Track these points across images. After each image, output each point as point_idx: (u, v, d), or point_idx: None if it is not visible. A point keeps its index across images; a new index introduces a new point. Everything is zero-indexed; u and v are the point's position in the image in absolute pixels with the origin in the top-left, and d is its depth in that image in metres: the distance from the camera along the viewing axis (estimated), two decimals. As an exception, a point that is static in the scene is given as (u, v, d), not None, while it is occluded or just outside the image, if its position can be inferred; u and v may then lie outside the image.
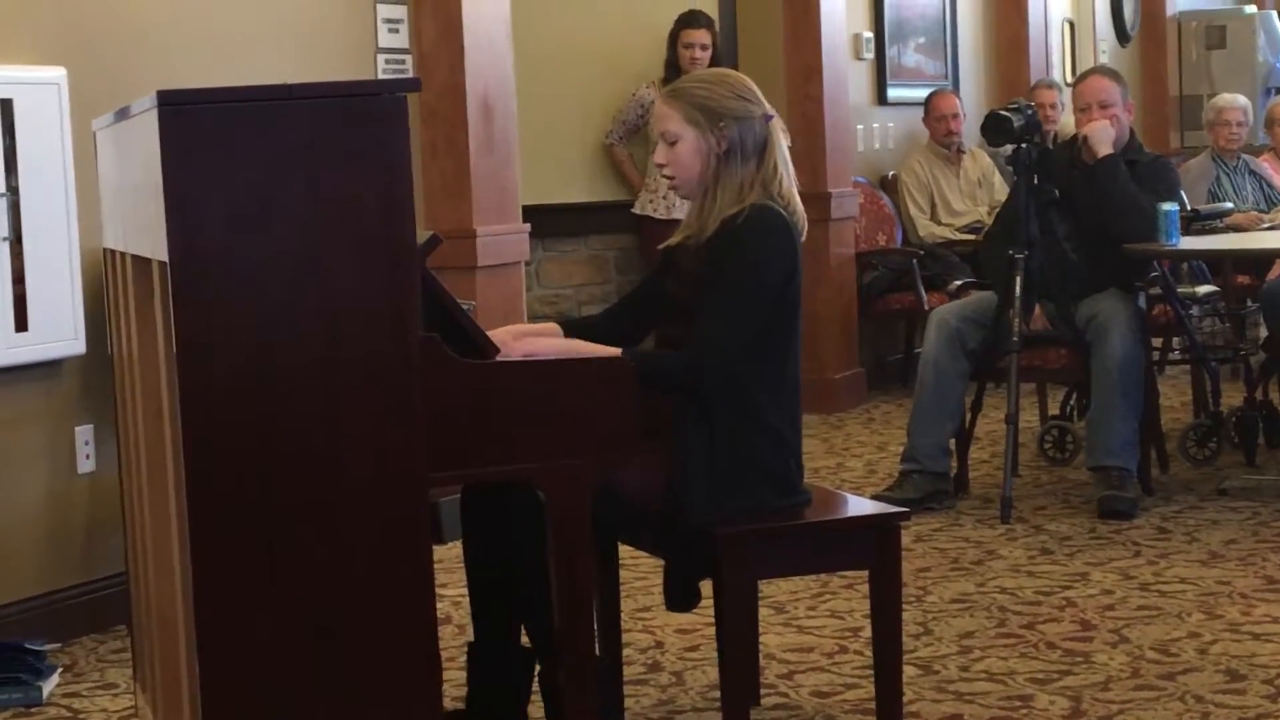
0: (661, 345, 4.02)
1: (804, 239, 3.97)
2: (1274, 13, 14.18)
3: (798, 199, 3.97)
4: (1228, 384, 7.67)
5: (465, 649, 4.09)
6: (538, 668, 4.01)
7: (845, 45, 9.19)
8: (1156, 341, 7.32)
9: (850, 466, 7.36)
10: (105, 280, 4.28)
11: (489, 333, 3.73)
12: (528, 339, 3.89)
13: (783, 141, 4.01)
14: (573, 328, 4.11)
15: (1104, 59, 12.52)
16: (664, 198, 8.17)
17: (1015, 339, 6.30)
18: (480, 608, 4.06)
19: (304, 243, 3.17)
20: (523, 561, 3.85)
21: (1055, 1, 12.05)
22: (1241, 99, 9.09)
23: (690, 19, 8.37)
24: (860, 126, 9.67)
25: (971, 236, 8.99)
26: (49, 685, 4.65)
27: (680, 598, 3.92)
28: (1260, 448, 7.06)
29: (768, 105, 4.01)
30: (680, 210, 4.12)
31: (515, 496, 3.80)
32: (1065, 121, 9.52)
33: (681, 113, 3.93)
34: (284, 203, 3.15)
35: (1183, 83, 13.68)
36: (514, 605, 3.98)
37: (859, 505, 4.14)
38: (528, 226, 6.65)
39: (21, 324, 5.00)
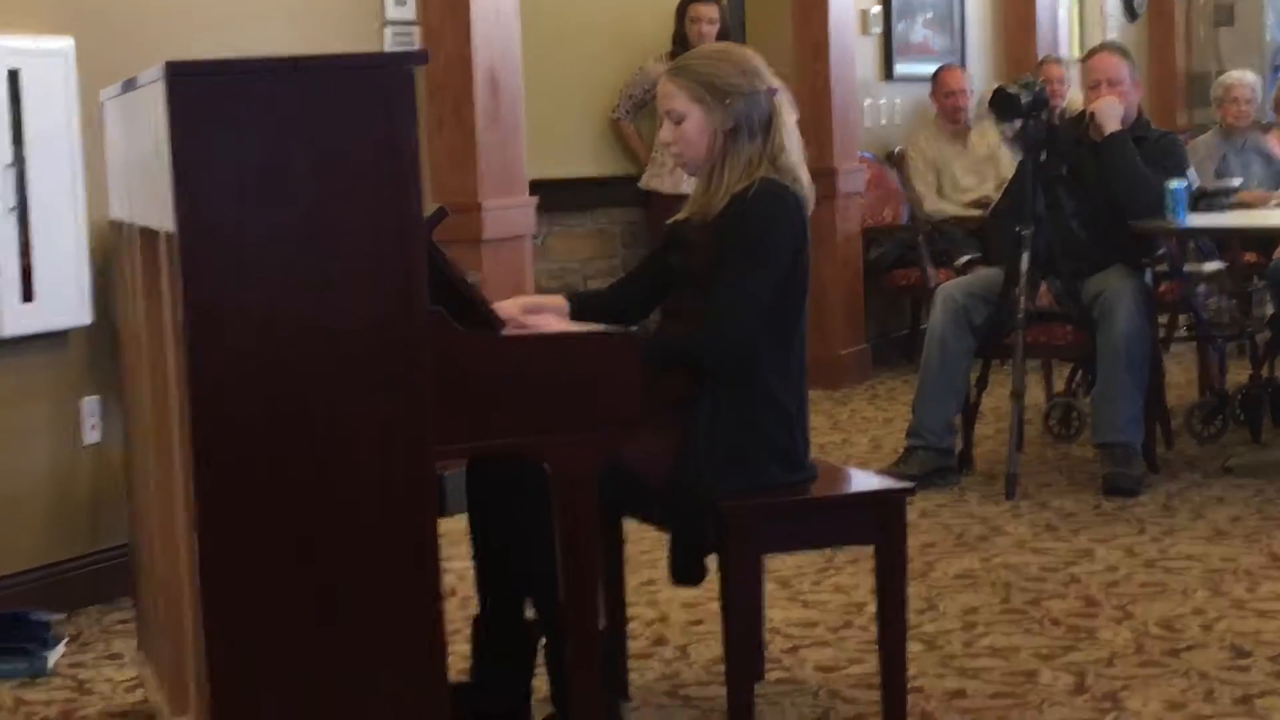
0: (668, 319, 4.02)
1: (811, 213, 3.96)
2: (1283, -10, 14.16)
3: (805, 173, 3.97)
4: (1234, 361, 7.68)
5: (470, 622, 4.10)
6: (542, 641, 4.01)
7: (853, 20, 9.17)
8: (1163, 319, 7.32)
9: (855, 442, 7.36)
10: (112, 252, 4.28)
11: (495, 303, 3.73)
12: (535, 315, 3.89)
13: (789, 115, 4.00)
14: (580, 301, 4.11)
15: (1112, 35, 12.49)
16: (671, 172, 8.16)
17: (1021, 315, 6.29)
18: (485, 581, 4.06)
19: (311, 215, 3.17)
20: (528, 535, 3.85)
21: (1063, -23, 12.03)
22: (1250, 76, 9.07)
23: (698, -8, 8.35)
24: (867, 102, 9.66)
25: (978, 212, 8.96)
26: (54, 655, 4.66)
27: (686, 572, 3.91)
28: (1266, 425, 7.06)
29: (773, 79, 4.00)
30: (688, 185, 4.11)
31: (521, 470, 3.80)
32: (1073, 97, 9.50)
33: (687, 90, 3.92)
34: (291, 175, 3.16)
35: (1191, 60, 13.66)
36: (519, 579, 3.98)
37: (864, 481, 4.15)
38: (534, 200, 6.64)
39: (28, 295, 5.00)
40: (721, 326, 3.77)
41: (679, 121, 3.94)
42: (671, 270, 4.02)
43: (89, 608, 5.14)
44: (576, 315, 4.03)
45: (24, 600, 4.90)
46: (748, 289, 3.79)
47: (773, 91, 3.96)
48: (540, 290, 7.47)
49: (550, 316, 3.95)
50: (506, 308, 3.87)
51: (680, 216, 4.03)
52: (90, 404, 5.22)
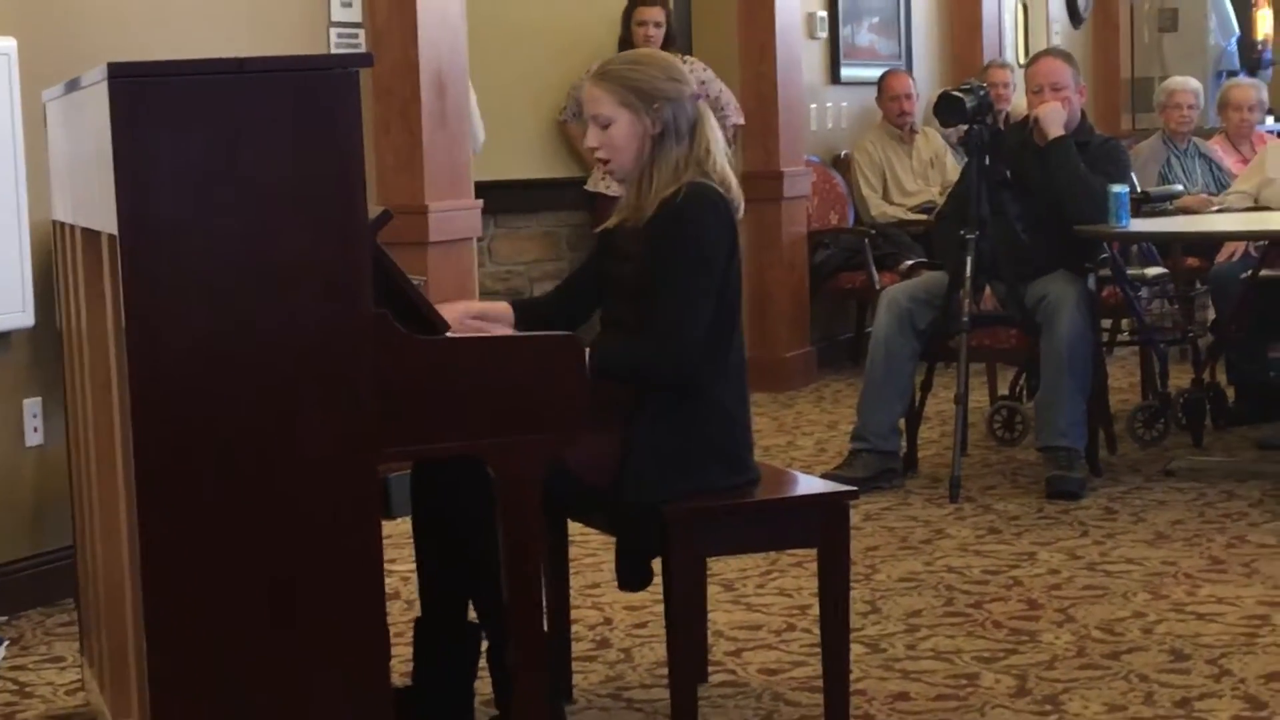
0: (606, 327, 4.01)
1: (740, 216, 3.96)
2: (1225, -4, 14.25)
3: (732, 176, 3.97)
4: (1176, 366, 7.72)
5: (414, 625, 4.09)
6: (485, 645, 4.01)
7: (799, 24, 9.20)
8: (1106, 323, 7.35)
9: (800, 445, 7.38)
10: (54, 253, 4.26)
11: (440, 306, 3.72)
12: (481, 323, 3.89)
13: (714, 120, 4.01)
14: (523, 309, 4.10)
15: (1057, 40, 12.56)
16: (613, 175, 8.16)
17: (965, 319, 6.32)
18: (428, 584, 4.06)
19: (254, 218, 3.16)
20: (473, 538, 3.85)
21: (1009, -18, 12.09)
22: (1193, 82, 9.14)
23: (644, -4, 8.36)
24: (813, 105, 9.68)
25: (923, 216, 9.00)
26: (-5, 659, 4.65)
27: (632, 577, 3.92)
28: (1207, 429, 7.11)
29: (694, 84, 4.01)
30: (624, 188, 4.10)
31: (466, 473, 3.80)
32: (1018, 102, 9.55)
33: (614, 95, 3.92)
34: (235, 177, 3.15)
35: (1135, 65, 13.73)
36: (463, 581, 3.98)
37: (808, 484, 4.15)
38: (480, 203, 6.64)
39: (-31, 296, 4.97)
40: (672, 341, 3.77)
41: (605, 126, 3.94)
42: (607, 278, 4.02)
43: (31, 610, 5.11)
44: (521, 324, 4.02)
45: (-35, 603, 4.88)
46: (692, 300, 3.79)
47: (696, 97, 3.97)
48: (485, 292, 7.48)
49: (497, 328, 3.94)
50: (451, 311, 3.86)
51: (610, 223, 4.04)
52: (32, 405, 5.20)
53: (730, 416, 3.90)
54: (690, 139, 3.92)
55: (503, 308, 4.10)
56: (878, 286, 8.46)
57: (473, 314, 3.97)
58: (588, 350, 3.62)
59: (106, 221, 3.23)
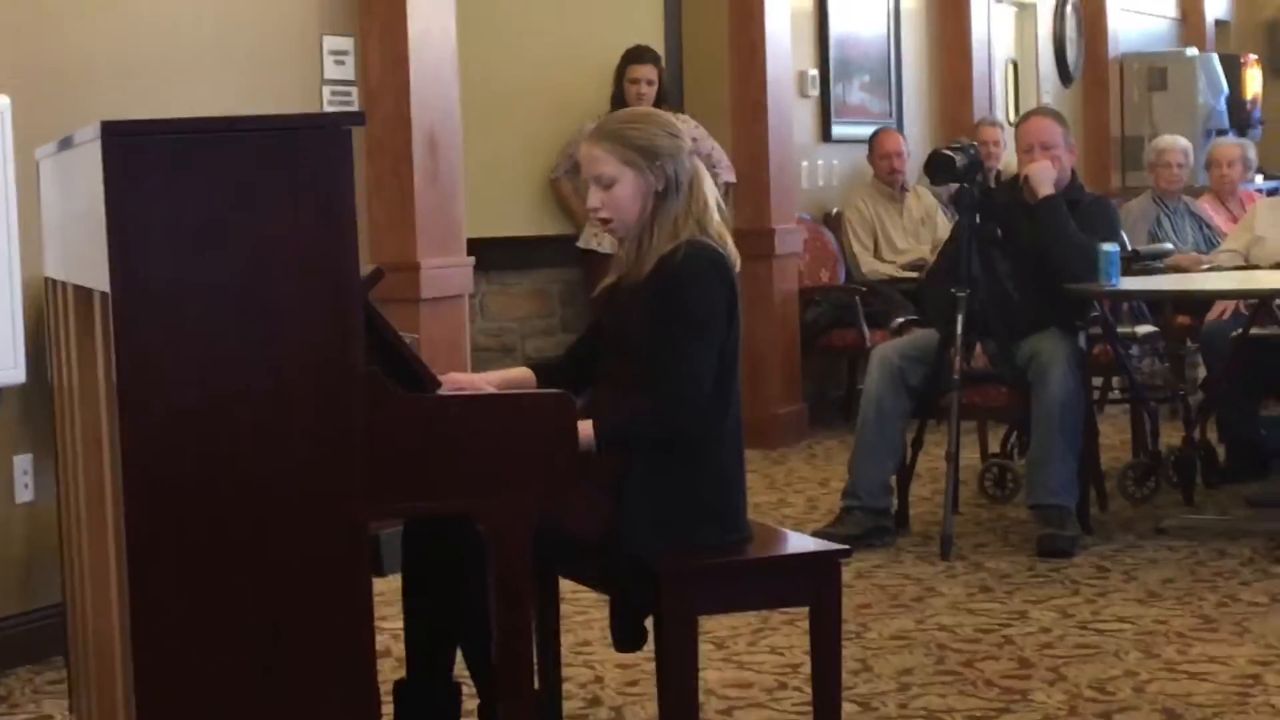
0: (601, 383, 4.00)
1: (737, 271, 3.96)
2: (1215, 55, 14.31)
3: (728, 235, 3.98)
4: (1167, 424, 7.72)
5: (394, 685, 4.07)
6: (478, 702, 4.00)
7: (791, 82, 9.23)
8: (1097, 381, 7.36)
9: (792, 502, 7.38)
10: (46, 309, 4.27)
11: (458, 377, 3.73)
12: (472, 379, 3.88)
13: (708, 175, 4.02)
14: (543, 372, 4.09)
15: (1047, 99, 12.61)
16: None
17: (956, 377, 6.33)
18: (416, 641, 4.05)
19: (246, 276, 3.17)
20: (463, 594, 3.85)
21: (999, 41, 12.14)
22: (1182, 141, 9.17)
23: (636, 54, 8.39)
24: (805, 163, 9.71)
25: (914, 274, 9.02)
26: (-16, 716, 4.63)
27: (627, 638, 3.92)
28: (1198, 487, 7.10)
29: (688, 142, 4.02)
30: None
31: (457, 530, 3.80)
32: (1008, 160, 9.58)
33: (616, 154, 3.91)
34: (226, 235, 3.16)
35: (1125, 123, 13.78)
36: (451, 638, 3.97)
37: (800, 542, 4.15)
38: (472, 260, 6.65)
39: (-39, 352, 4.97)
40: (677, 401, 3.77)
41: (608, 186, 3.93)
42: (605, 335, 4.02)
43: (20, 668, 5.09)
44: (543, 387, 4.00)
45: (-46, 660, 4.86)
46: (695, 359, 3.79)
47: (692, 153, 3.98)
48: (477, 349, 7.48)
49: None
50: (476, 382, 3.86)
51: (608, 281, 4.04)
52: (23, 462, 5.19)
53: (725, 475, 3.90)
54: (689, 194, 3.93)
55: (524, 374, 4.08)
56: (869, 344, 8.47)
57: (494, 382, 3.95)
58: (592, 424, 3.62)
59: (98, 279, 3.24)
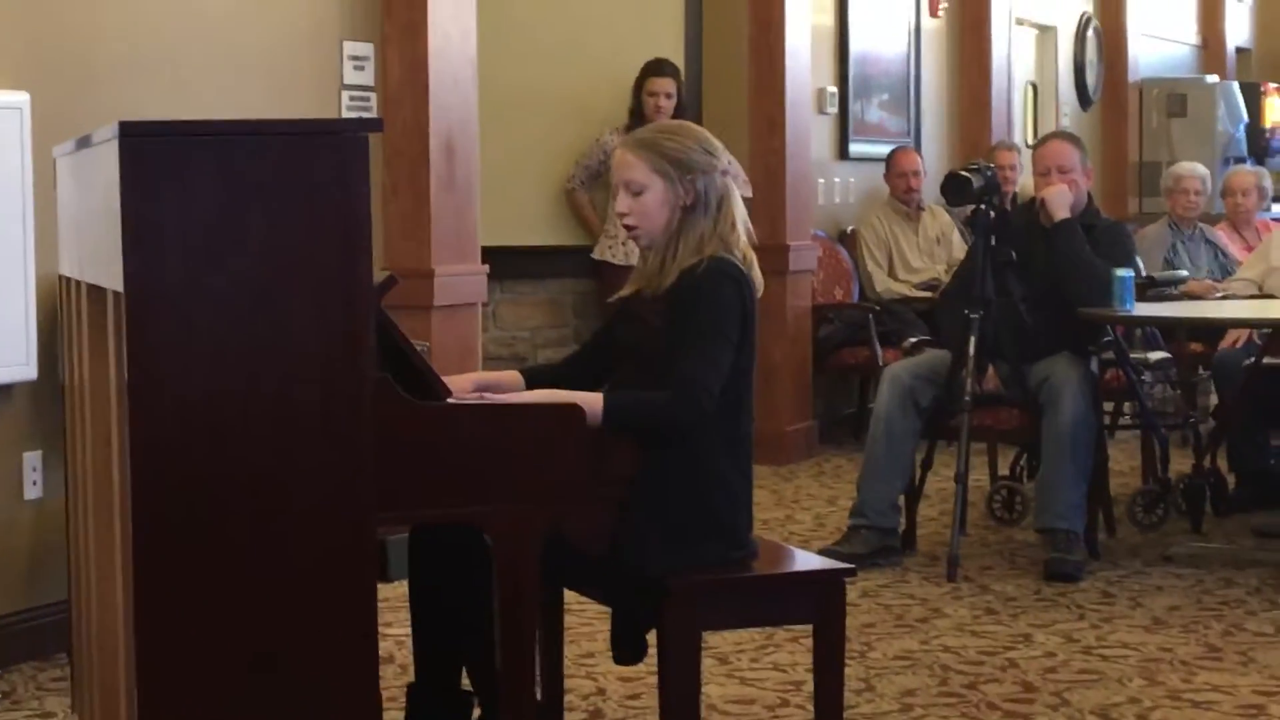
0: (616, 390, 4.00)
1: (760, 295, 3.97)
2: (1235, 83, 14.30)
3: (754, 257, 3.98)
4: (1177, 451, 7.71)
5: (406, 689, 4.08)
6: (478, 711, 4.00)
7: (809, 99, 9.23)
8: (1108, 406, 7.35)
9: (799, 519, 7.37)
10: (60, 307, 4.27)
11: (450, 379, 3.73)
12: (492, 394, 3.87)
13: (739, 197, 4.02)
14: (535, 375, 4.09)
15: (1065, 122, 12.61)
16: (623, 244, 8.18)
17: (967, 398, 6.32)
18: (423, 648, 4.05)
19: (260, 279, 3.17)
20: (467, 603, 3.85)
21: (1019, 63, 12.14)
22: (1200, 168, 9.16)
23: (656, 67, 8.40)
24: (821, 180, 9.71)
25: (928, 294, 9.01)
26: (-14, 712, 4.63)
27: (627, 650, 3.92)
28: (1207, 516, 7.09)
29: (723, 160, 4.02)
30: (639, 257, 4.11)
31: (463, 538, 3.80)
32: (1024, 183, 9.57)
33: (649, 163, 3.93)
34: (241, 238, 3.16)
35: (1143, 149, 13.78)
36: (457, 647, 3.97)
37: (805, 560, 4.15)
38: (486, 268, 6.66)
39: (-27, 348, 4.98)
40: (685, 391, 3.76)
41: (638, 193, 3.94)
42: (621, 345, 4.02)
43: (24, 664, 5.10)
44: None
45: (-42, 655, 4.87)
46: (710, 356, 3.79)
47: (725, 172, 3.98)
48: (489, 357, 7.48)
49: (510, 396, 3.93)
50: (460, 384, 3.86)
51: (626, 292, 4.04)
52: (32, 459, 5.20)
53: (733, 492, 3.90)
54: (717, 213, 3.93)
55: (512, 376, 4.08)
56: (881, 363, 8.46)
57: (481, 385, 3.96)
58: (602, 398, 3.64)
59: (112, 278, 3.24)
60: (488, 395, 3.75)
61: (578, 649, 5.16)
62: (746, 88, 8.89)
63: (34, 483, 5.20)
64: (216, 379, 3.16)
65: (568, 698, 4.55)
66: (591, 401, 3.63)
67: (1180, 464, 7.46)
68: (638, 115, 8.22)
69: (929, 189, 9.64)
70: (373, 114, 6.27)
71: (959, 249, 9.29)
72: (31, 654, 5.13)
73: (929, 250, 9.65)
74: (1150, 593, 6.03)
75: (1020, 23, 12.20)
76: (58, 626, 4.86)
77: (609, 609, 4.01)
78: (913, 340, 7.68)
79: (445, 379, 3.71)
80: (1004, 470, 7.63)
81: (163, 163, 3.13)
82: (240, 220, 3.16)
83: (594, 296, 8.56)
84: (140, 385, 3.15)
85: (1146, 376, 7.38)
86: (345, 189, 3.19)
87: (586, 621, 5.38)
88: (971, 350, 6.31)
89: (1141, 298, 6.87)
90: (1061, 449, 6.28)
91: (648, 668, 4.23)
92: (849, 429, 9.57)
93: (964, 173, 6.49)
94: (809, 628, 3.92)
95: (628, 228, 4.00)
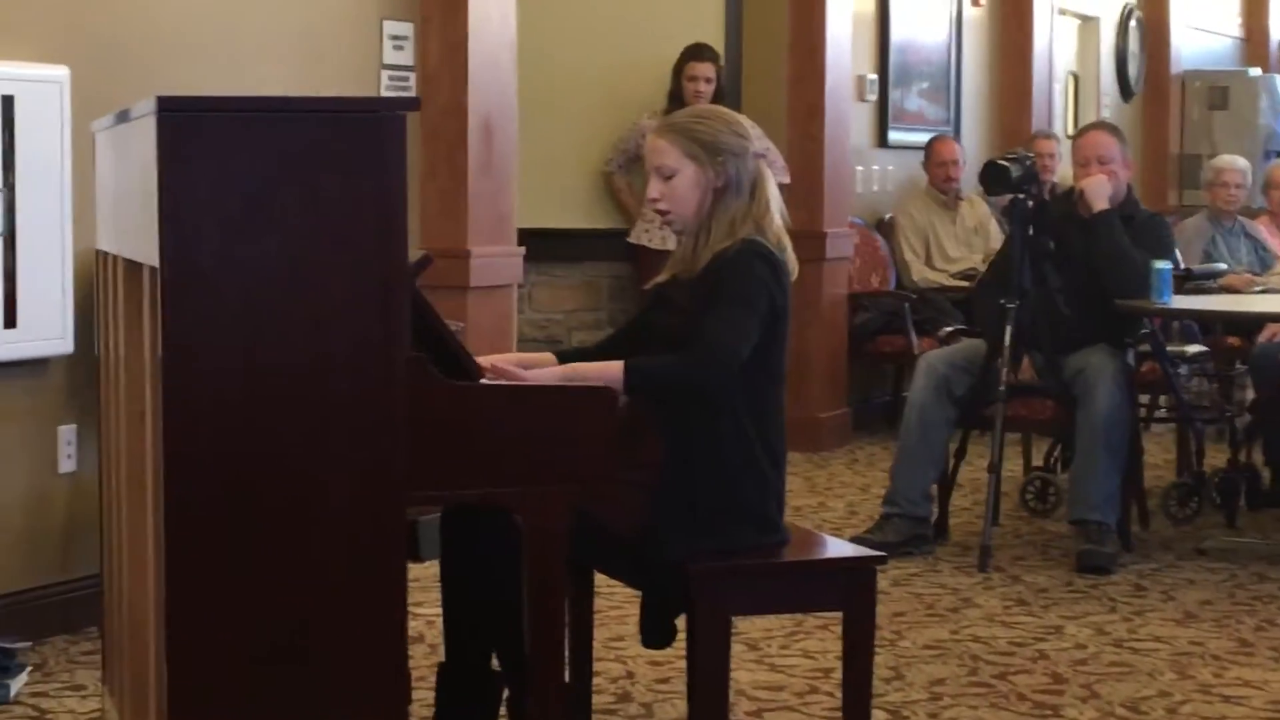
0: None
1: (794, 279, 3.96)
2: (1277, 76, 14.22)
3: (788, 240, 3.97)
4: (1212, 444, 7.68)
5: (436, 669, 4.09)
6: (506, 692, 4.00)
7: (849, 86, 9.21)
8: (1143, 398, 7.32)
9: (831, 507, 7.36)
10: (96, 282, 4.28)
11: (489, 356, 3.72)
12: (516, 370, 3.86)
13: (773, 181, 4.01)
14: (569, 359, 4.09)
15: (1106, 113, 12.56)
16: (660, 228, 8.16)
17: (1002, 388, 6.30)
18: (453, 628, 4.06)
19: (296, 256, 3.17)
20: (497, 584, 3.85)
21: (1060, 53, 12.09)
22: (1241, 161, 9.11)
23: (696, 52, 8.38)
24: (860, 168, 9.69)
25: (965, 283, 8.98)
26: (17, 684, 4.64)
27: (656, 634, 3.92)
28: (1241, 510, 7.06)
29: (756, 143, 4.01)
30: (675, 242, 4.11)
31: (493, 519, 3.80)
32: (1064, 173, 9.54)
33: (680, 147, 3.93)
34: (278, 215, 3.16)
35: (1184, 141, 13.72)
36: (486, 628, 3.98)
37: (837, 547, 4.14)
38: (522, 250, 6.65)
39: (10, 321, 4.99)
40: (710, 352, 3.74)
41: (669, 177, 3.94)
42: (656, 330, 4.01)
43: (56, 637, 5.12)
44: None
45: (-9, 626, 4.89)
46: (735, 320, 3.77)
47: (758, 155, 3.98)
48: (523, 339, 7.48)
49: (539, 372, 3.93)
50: (499, 362, 3.85)
51: (662, 277, 4.03)
52: (67, 432, 5.22)
53: (765, 477, 3.89)
54: (750, 196, 3.93)
55: (547, 359, 4.08)
56: (916, 351, 8.44)
57: (514, 364, 3.95)
58: (622, 365, 3.64)
59: (149, 253, 3.25)
60: (501, 369, 3.72)
61: (607, 632, 5.16)
62: (786, 74, 8.87)
63: (69, 456, 5.22)
64: (250, 355, 3.17)
65: (596, 680, 4.55)
66: (612, 368, 3.64)
67: (1215, 458, 7.43)
68: (676, 99, 8.20)
69: (968, 179, 9.61)
70: (412, 94, 6.27)
71: (996, 239, 9.27)
72: (65, 627, 5.15)
73: (966, 240, 9.62)
74: (1183, 586, 6.01)
75: (1062, 13, 12.15)
76: (90, 600, 4.88)
77: (639, 593, 4.01)
78: (948, 329, 7.66)
79: (479, 359, 3.71)
80: (1038, 461, 7.61)
81: (200, 138, 3.13)
82: (276, 197, 3.16)
83: (630, 280, 8.55)
84: (174, 361, 3.15)
85: (1183, 369, 7.35)
86: (382, 168, 3.19)
87: (616, 605, 5.38)
88: (1007, 340, 6.29)
89: (1179, 290, 6.84)
90: (1096, 441, 6.26)
91: (677, 652, 4.23)
92: (883, 417, 9.55)
93: (1003, 161, 6.47)
94: (839, 615, 3.92)
95: (661, 213, 4.00)
